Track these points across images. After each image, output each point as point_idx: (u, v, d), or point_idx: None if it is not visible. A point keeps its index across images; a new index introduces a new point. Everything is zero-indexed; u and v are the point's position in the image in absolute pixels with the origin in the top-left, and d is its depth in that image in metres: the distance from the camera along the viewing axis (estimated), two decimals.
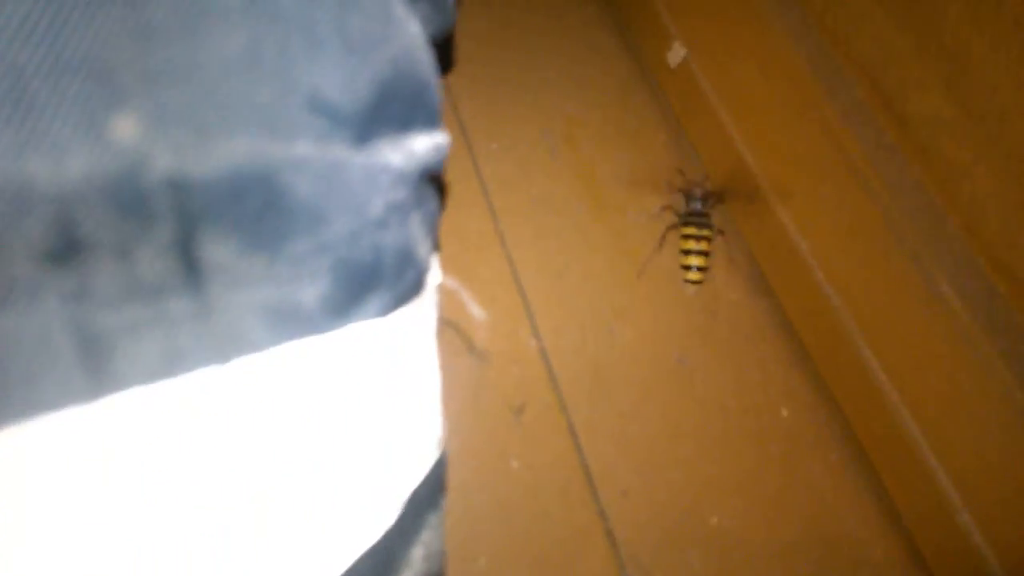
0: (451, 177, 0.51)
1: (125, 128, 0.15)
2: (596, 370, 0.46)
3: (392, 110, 0.20)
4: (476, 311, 0.38)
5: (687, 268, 0.50)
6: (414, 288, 0.22)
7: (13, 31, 0.14)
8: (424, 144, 0.23)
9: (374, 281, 0.19)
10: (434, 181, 0.26)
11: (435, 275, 0.26)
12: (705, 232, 0.50)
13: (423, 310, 0.23)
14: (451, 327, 0.40)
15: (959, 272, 0.42)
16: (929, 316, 0.42)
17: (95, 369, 0.14)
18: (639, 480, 0.42)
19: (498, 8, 0.60)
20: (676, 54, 0.56)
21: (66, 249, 0.14)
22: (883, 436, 0.44)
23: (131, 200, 0.14)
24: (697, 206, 0.51)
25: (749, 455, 0.45)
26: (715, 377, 0.47)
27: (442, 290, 0.27)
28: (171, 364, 0.15)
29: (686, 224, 0.51)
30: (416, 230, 0.22)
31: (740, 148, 0.51)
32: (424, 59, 0.23)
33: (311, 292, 0.18)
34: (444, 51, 0.28)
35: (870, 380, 0.44)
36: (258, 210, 0.16)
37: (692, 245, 0.50)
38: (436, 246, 0.28)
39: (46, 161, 0.14)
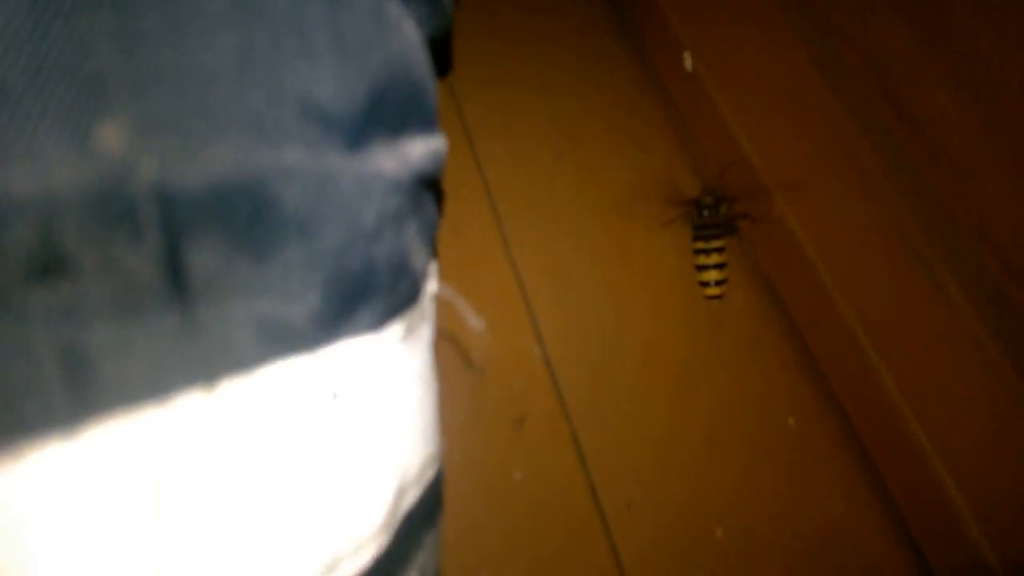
0: (454, 180, 0.51)
1: (110, 137, 0.14)
2: (599, 377, 0.45)
3: (387, 113, 0.20)
4: (474, 321, 0.37)
5: (705, 284, 0.49)
6: (408, 299, 0.21)
7: None
8: (420, 149, 0.22)
9: (366, 293, 0.18)
10: (432, 187, 0.25)
11: (432, 284, 0.25)
12: (716, 244, 0.48)
13: (419, 321, 0.22)
14: (448, 339, 0.39)
15: (968, 276, 0.41)
16: (937, 320, 0.41)
17: (79, 388, 0.14)
18: (643, 492, 0.42)
19: (505, 10, 0.59)
20: (686, 60, 0.55)
21: (50, 264, 0.13)
22: (890, 444, 0.44)
23: (116, 211, 0.14)
24: (707, 214, 0.49)
25: (755, 465, 0.44)
26: (720, 385, 0.46)
27: (439, 300, 0.26)
28: (156, 385, 0.14)
29: (696, 239, 0.49)
30: (412, 239, 0.21)
31: (749, 153, 0.51)
32: (420, 61, 0.22)
33: (301, 305, 0.17)
34: (442, 53, 0.28)
35: (877, 387, 0.43)
36: (246, 219, 0.16)
37: (704, 260, 0.48)
38: (433, 253, 0.27)
39: (28, 172, 0.13)
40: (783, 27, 0.49)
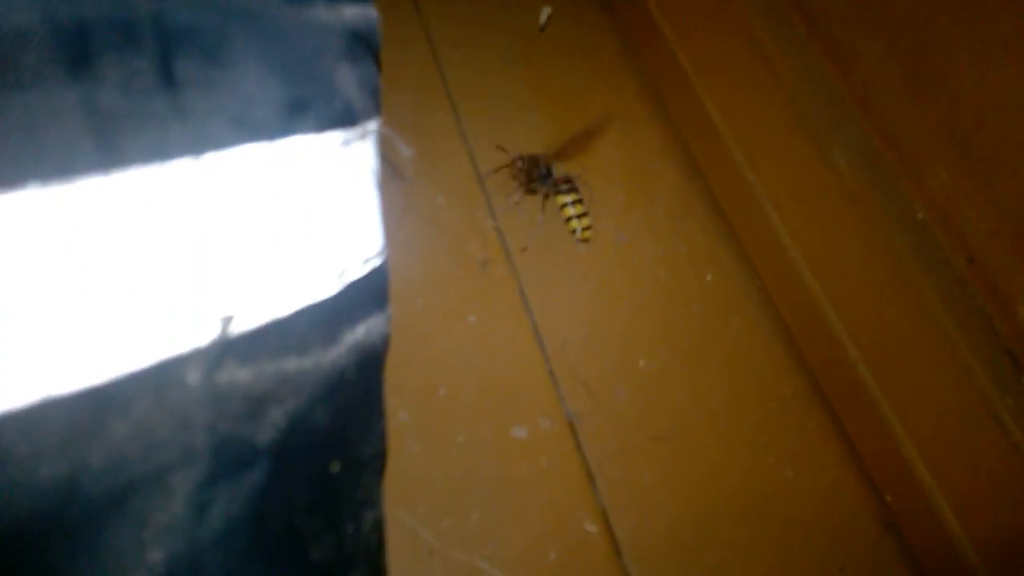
0: (417, 84, 0.58)
1: None
2: (546, 244, 0.53)
3: None
4: (404, 149, 0.45)
5: (574, 231, 0.53)
6: (344, 118, 0.28)
7: None
8: (352, 11, 0.29)
9: (307, 104, 0.26)
10: (368, 47, 0.33)
11: (373, 124, 0.33)
12: (574, 196, 0.53)
13: (356, 140, 0.30)
14: (386, 162, 0.47)
15: (851, 144, 0.48)
16: (824, 183, 0.49)
17: (106, 146, 0.21)
18: (579, 333, 0.50)
19: None
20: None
21: (81, 57, 0.21)
22: (789, 291, 0.51)
23: (125, 25, 0.21)
24: (556, 174, 0.53)
25: (676, 312, 0.52)
26: (650, 250, 0.54)
27: (379, 137, 0.34)
28: (161, 151, 0.22)
29: (559, 193, 0.53)
30: (346, 76, 0.29)
31: (669, 39, 0.58)
32: None
33: (261, 107, 0.25)
34: None
35: (778, 244, 0.51)
36: (215, 42, 0.23)
37: (572, 211, 0.52)
38: (377, 109, 0.35)
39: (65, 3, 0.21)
40: None
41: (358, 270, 0.30)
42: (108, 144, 0.22)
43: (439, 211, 0.52)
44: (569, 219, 0.53)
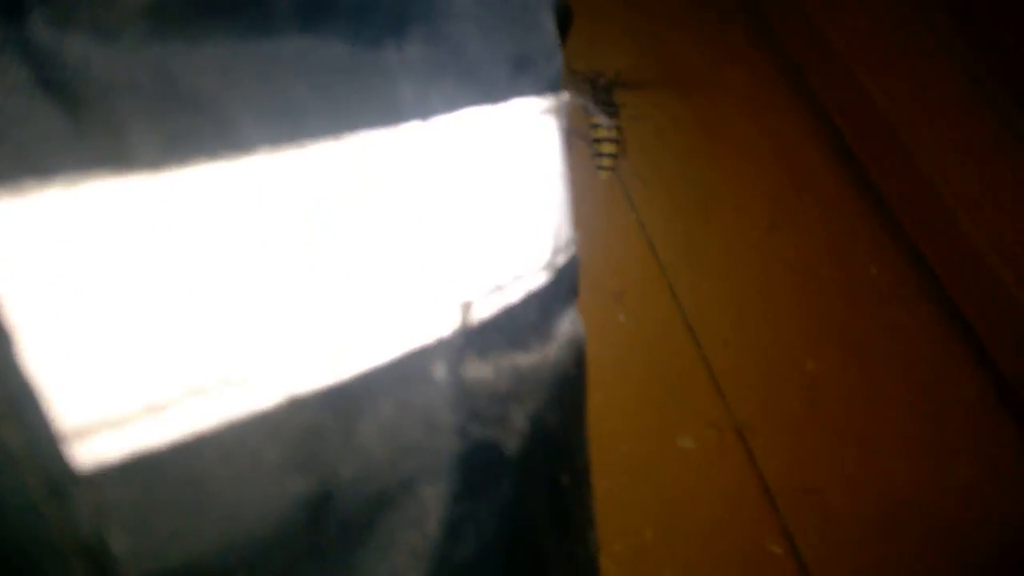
0: None
1: None
2: (691, 240, 0.49)
3: None
4: (604, 120, 0.42)
5: (599, 155, 0.49)
6: (555, 82, 0.25)
7: None
8: None
9: (531, 61, 0.23)
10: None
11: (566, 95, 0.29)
12: (614, 121, 0.49)
13: (559, 109, 0.27)
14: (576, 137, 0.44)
15: None
16: (1012, 160, 0.44)
17: (336, 105, 0.18)
18: (737, 332, 0.46)
19: None
20: None
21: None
22: (972, 284, 0.46)
23: None
24: (603, 96, 0.50)
25: (840, 309, 0.47)
26: (805, 240, 0.50)
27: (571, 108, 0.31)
28: (392, 112, 0.19)
29: (602, 114, 0.49)
30: (554, 33, 0.26)
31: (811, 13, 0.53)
32: None
33: (487, 65, 0.22)
34: None
35: (957, 231, 0.46)
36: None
37: (603, 133, 0.49)
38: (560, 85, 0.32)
39: None
40: None
41: (563, 256, 0.27)
42: (337, 102, 0.19)
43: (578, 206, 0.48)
44: (594, 141, 0.49)
